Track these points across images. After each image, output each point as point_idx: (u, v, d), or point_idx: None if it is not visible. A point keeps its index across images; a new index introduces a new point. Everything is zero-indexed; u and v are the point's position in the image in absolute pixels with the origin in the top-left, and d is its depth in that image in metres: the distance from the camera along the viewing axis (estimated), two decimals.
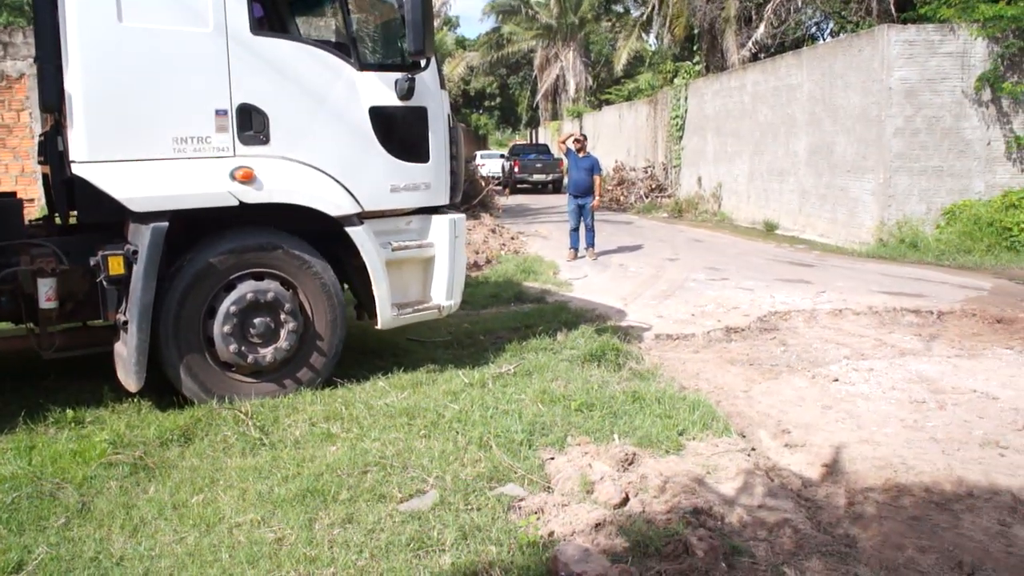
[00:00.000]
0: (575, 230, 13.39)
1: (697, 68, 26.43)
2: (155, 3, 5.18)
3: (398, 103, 5.91)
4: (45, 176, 6.34)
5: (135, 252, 5.17)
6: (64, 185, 5.33)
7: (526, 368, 6.24)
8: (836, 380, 6.38)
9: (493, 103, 56.94)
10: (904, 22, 16.09)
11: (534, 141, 49.46)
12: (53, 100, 5.14)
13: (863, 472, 4.66)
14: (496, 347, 7.08)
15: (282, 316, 5.59)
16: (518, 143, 44.81)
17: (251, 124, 5.45)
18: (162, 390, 5.58)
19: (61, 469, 4.55)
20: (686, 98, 23.12)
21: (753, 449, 5.01)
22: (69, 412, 5.40)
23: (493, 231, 14.97)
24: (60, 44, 5.05)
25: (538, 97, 46.53)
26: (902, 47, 13.66)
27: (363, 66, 5.84)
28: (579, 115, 37.73)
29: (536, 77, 46.04)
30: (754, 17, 24.36)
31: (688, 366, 6.92)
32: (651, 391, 5.64)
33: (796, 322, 8.51)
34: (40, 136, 6.45)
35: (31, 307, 5.40)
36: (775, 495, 4.26)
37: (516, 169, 32.54)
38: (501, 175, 34.36)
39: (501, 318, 8.41)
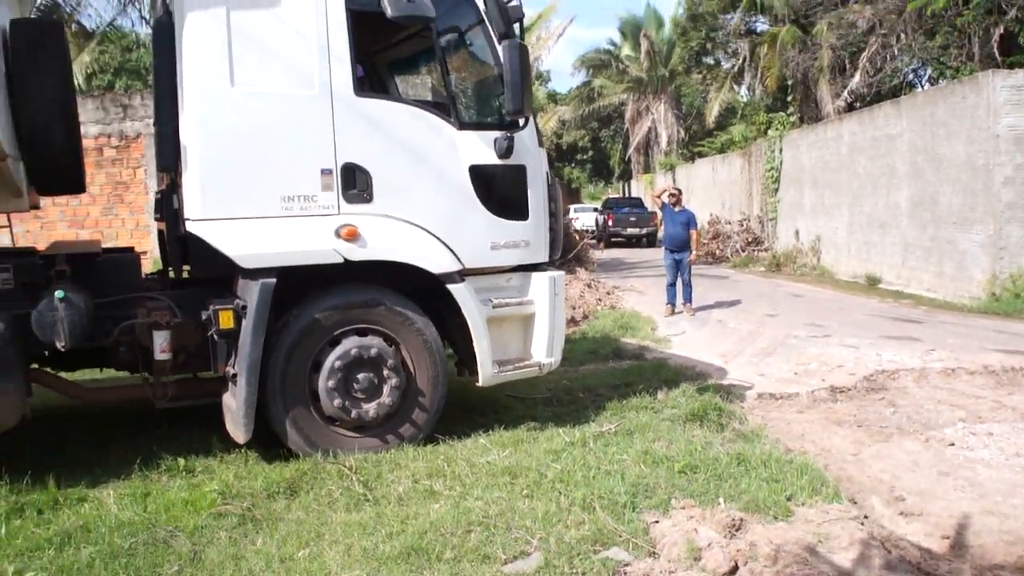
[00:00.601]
0: (672, 285, 13.27)
1: (791, 119, 26.12)
2: (264, 68, 5.40)
3: (497, 161, 5.99)
4: (160, 232, 6.61)
5: (244, 307, 5.34)
6: (178, 241, 5.54)
7: (627, 427, 6.16)
8: (952, 444, 6.10)
9: (585, 156, 57.19)
10: (1010, 66, 15.59)
11: (627, 194, 49.45)
12: (170, 161, 5.37)
13: (990, 547, 4.40)
14: (596, 405, 7.02)
15: (385, 372, 5.66)
16: (611, 196, 44.85)
17: (355, 183, 5.59)
18: (268, 442, 5.70)
19: (174, 517, 4.70)
20: (781, 150, 22.86)
21: (866, 517, 4.79)
22: (181, 461, 5.57)
23: (589, 286, 14.94)
24: (177, 108, 5.30)
25: (630, 150, 46.61)
26: (1009, 93, 13.20)
27: (463, 125, 5.95)
28: (671, 168, 37.65)
29: (627, 130, 46.16)
30: (848, 66, 23.98)
31: (793, 427, 6.73)
32: (756, 453, 5.48)
33: (905, 382, 8.21)
34: (157, 194, 6.74)
35: (146, 358, 5.62)
36: (894, 568, 4.07)
37: (610, 223, 32.57)
38: (595, 229, 34.41)
39: (600, 375, 8.35)
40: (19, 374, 5.24)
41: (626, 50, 45.40)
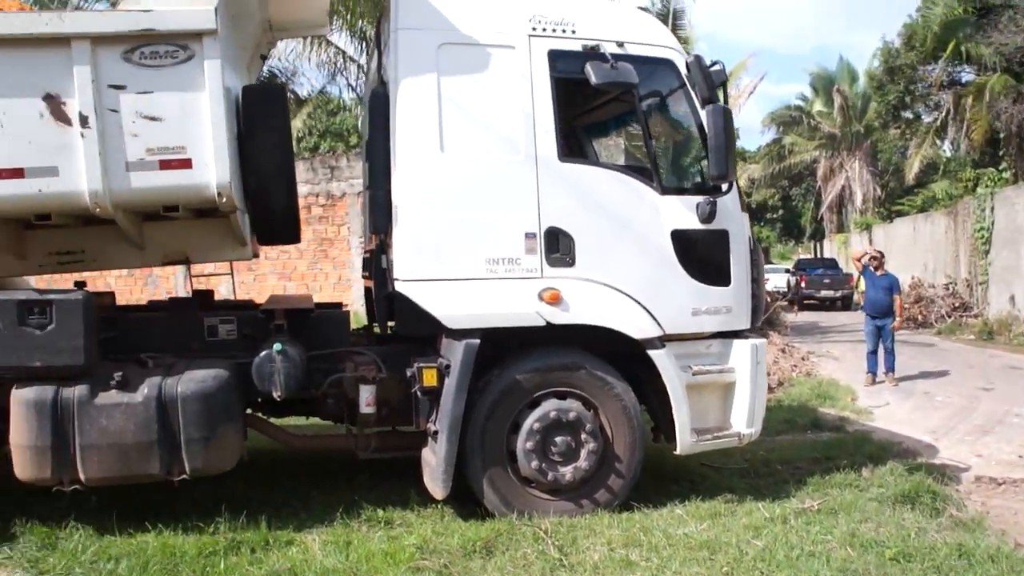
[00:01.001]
0: (873, 352, 12.59)
1: (1003, 175, 24.46)
2: (472, 135, 5.61)
3: (700, 226, 5.92)
4: (367, 289, 6.92)
5: (448, 366, 5.48)
6: (385, 299, 5.77)
7: (830, 505, 5.84)
8: None
9: (775, 215, 55.83)
10: None
11: (819, 254, 47.72)
12: (382, 224, 5.62)
13: None
14: (796, 479, 6.71)
15: (583, 436, 5.64)
16: (803, 257, 43.39)
17: (558, 246, 5.67)
18: (464, 499, 5.77)
19: (374, 568, 4.84)
20: (992, 208, 21.41)
21: None
22: (380, 512, 5.75)
23: (783, 351, 14.43)
24: (390, 173, 5.56)
25: (822, 209, 45.05)
26: None
27: (665, 190, 5.93)
28: (867, 227, 36.00)
29: (820, 188, 44.69)
30: None
31: (1021, 518, 6.18)
32: (981, 546, 5.04)
33: None
34: (365, 253, 7.06)
35: (351, 410, 5.87)
36: None
37: (803, 284, 31.44)
38: (786, 290, 33.31)
39: (798, 447, 8.00)
40: (239, 419, 5.59)
41: (818, 105, 44.13)
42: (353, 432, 6.06)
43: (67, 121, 4.93)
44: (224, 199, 5.11)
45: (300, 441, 6.43)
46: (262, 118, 5.56)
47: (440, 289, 5.50)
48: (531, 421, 5.59)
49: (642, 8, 16.24)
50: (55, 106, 4.93)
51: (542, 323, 5.57)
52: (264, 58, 7.65)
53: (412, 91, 5.54)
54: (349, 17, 16.36)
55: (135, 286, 16.82)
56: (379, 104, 5.62)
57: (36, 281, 7.44)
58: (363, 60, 17.71)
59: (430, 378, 5.51)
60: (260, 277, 15.90)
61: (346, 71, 18.38)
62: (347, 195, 15.81)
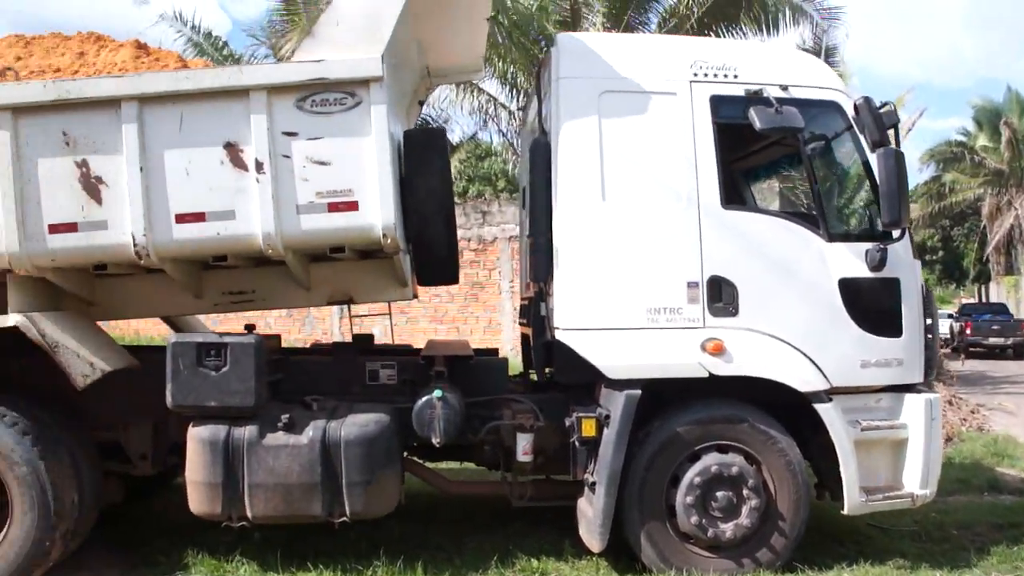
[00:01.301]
0: None
1: None
2: (634, 182, 5.58)
3: (869, 274, 5.66)
4: (524, 336, 6.95)
5: (607, 416, 5.41)
6: (544, 347, 5.77)
7: None
8: None
9: (934, 257, 53.21)
10: None
11: (984, 298, 45.11)
12: (543, 272, 5.63)
13: None
14: (976, 547, 6.26)
15: (745, 491, 5.44)
16: (967, 302, 41.15)
17: (721, 296, 5.53)
18: (620, 552, 5.66)
19: None
20: None
21: None
22: (535, 562, 5.73)
23: (950, 402, 13.59)
24: (550, 221, 5.58)
25: (988, 249, 42.60)
26: None
27: (832, 236, 5.71)
28: None
29: (985, 228, 42.33)
30: None
31: None
32: None
33: None
34: (523, 300, 7.10)
35: (507, 457, 5.88)
36: None
37: (968, 331, 29.69)
38: (949, 337, 31.54)
39: (975, 509, 7.45)
40: (398, 463, 5.68)
41: (982, 140, 41.80)
42: (508, 480, 6.06)
43: (244, 167, 5.19)
44: (389, 240, 5.25)
45: (455, 486, 6.47)
46: (423, 161, 5.70)
47: (601, 338, 5.46)
48: (691, 475, 5.44)
49: (802, 48, 16.04)
50: (234, 153, 5.20)
51: (704, 374, 5.44)
52: (422, 104, 7.88)
53: (574, 140, 5.56)
54: (500, 64, 16.72)
55: (293, 326, 17.50)
56: (540, 152, 5.66)
57: (205, 319, 7.85)
58: (513, 106, 18.07)
59: (589, 428, 5.46)
60: (412, 320, 16.27)
61: (496, 117, 18.78)
62: (498, 240, 16.07)
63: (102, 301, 6.10)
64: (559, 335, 5.52)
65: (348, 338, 7.27)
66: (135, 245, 5.21)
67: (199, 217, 5.22)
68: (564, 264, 5.50)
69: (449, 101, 18.29)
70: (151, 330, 17.58)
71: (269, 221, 5.17)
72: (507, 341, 15.72)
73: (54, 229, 5.25)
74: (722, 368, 5.44)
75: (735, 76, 5.72)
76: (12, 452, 5.29)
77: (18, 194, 5.20)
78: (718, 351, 5.44)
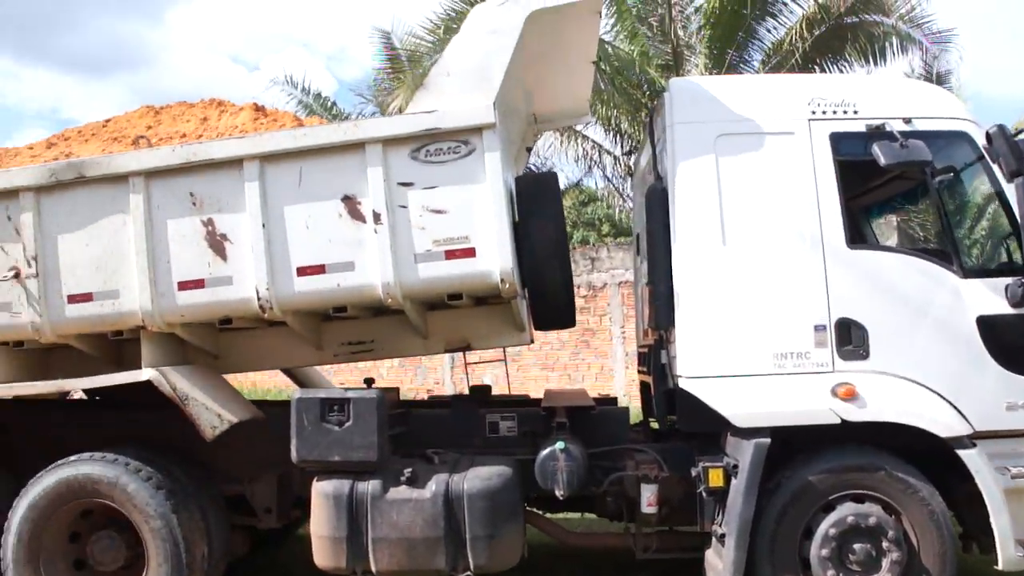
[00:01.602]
0: None
1: None
2: (754, 226, 5.43)
3: (1011, 311, 5.35)
4: (643, 384, 6.83)
5: (735, 466, 5.23)
6: (665, 395, 5.65)
7: None
8: None
9: None
10: None
11: None
12: (664, 319, 5.52)
13: None
14: None
15: (884, 544, 5.14)
16: None
17: (850, 338, 5.31)
18: None
19: None
20: None
21: None
22: None
23: None
24: (670, 268, 5.48)
25: None
26: None
27: (967, 272, 5.43)
28: None
29: None
30: None
31: None
32: None
33: None
34: (641, 348, 7.00)
35: (630, 508, 5.75)
36: None
37: None
38: None
39: None
40: (521, 516, 5.61)
41: None
42: (632, 531, 5.92)
43: (362, 219, 5.29)
44: (507, 285, 5.25)
45: (577, 538, 6.35)
46: (537, 205, 5.70)
47: (726, 386, 5.31)
48: (826, 526, 5.18)
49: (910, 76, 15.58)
50: (351, 206, 5.31)
51: (837, 421, 5.21)
52: (530, 150, 7.93)
53: (691, 185, 5.48)
54: (603, 110, 16.79)
55: (405, 376, 17.71)
56: (657, 199, 5.59)
57: (322, 369, 7.99)
58: (617, 152, 18.07)
59: (716, 478, 5.29)
60: (523, 368, 16.27)
61: (601, 163, 18.82)
62: (608, 285, 16.00)
63: (227, 355, 6.29)
64: (682, 383, 5.39)
65: (460, 388, 7.32)
66: (259, 299, 5.37)
67: (319, 269, 5.34)
68: (685, 311, 5.39)
69: (554, 148, 18.47)
70: (268, 382, 18.09)
71: (388, 271, 5.24)
72: (619, 387, 15.55)
73: (183, 286, 5.47)
74: (855, 414, 5.20)
75: (855, 112, 5.55)
76: (147, 506, 5.45)
77: (150, 254, 5.45)
78: (850, 396, 5.21)
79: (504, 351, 7.35)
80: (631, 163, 17.30)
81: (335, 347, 6.24)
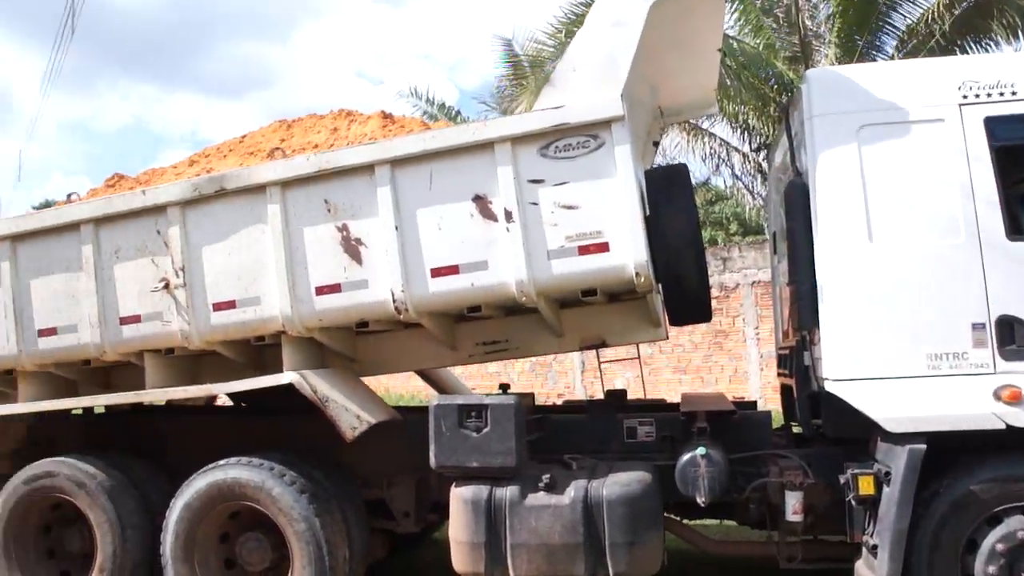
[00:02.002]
0: None
1: None
2: (902, 220, 5.14)
3: None
4: (784, 387, 6.60)
5: (887, 473, 4.96)
6: (809, 399, 5.43)
7: None
8: None
9: None
10: None
11: None
12: (808, 320, 5.29)
13: None
14: None
15: None
16: None
17: (1013, 337, 4.95)
18: None
19: None
20: None
21: None
22: None
23: None
24: (813, 267, 5.25)
25: None
26: None
27: None
28: None
29: None
30: None
31: None
32: None
33: None
34: (781, 350, 6.76)
35: (773, 516, 5.56)
36: None
37: None
38: None
39: None
40: (661, 523, 5.48)
41: None
42: (774, 540, 5.71)
43: (493, 218, 5.30)
44: (642, 279, 5.16)
45: (719, 546, 6.19)
46: (668, 198, 5.59)
47: (876, 389, 5.03)
48: (992, 541, 4.83)
49: None
50: (483, 205, 5.33)
51: (1001, 426, 4.86)
52: (656, 144, 7.80)
53: (832, 180, 5.23)
54: (730, 107, 16.40)
55: (536, 381, 17.72)
56: (797, 195, 5.37)
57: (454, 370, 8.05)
58: (746, 149, 17.63)
59: (867, 486, 5.01)
60: (655, 371, 16.03)
61: (729, 161, 18.39)
62: (741, 286, 15.60)
63: (363, 358, 6.42)
64: (828, 386, 5.15)
65: (591, 391, 7.26)
66: (394, 301, 5.45)
67: (453, 270, 5.37)
68: (831, 311, 5.14)
69: (680, 147, 18.17)
70: (402, 388, 18.46)
71: (521, 268, 5.23)
72: (754, 390, 15.14)
73: (320, 291, 5.61)
74: (1023, 419, 4.86)
75: (1012, 93, 5.17)
76: (291, 509, 5.58)
77: (288, 260, 5.61)
78: (1015, 399, 4.84)
79: (639, 352, 7.22)
80: (761, 160, 16.88)
81: (470, 347, 6.28)
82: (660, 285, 5.67)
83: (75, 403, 6.49)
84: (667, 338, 6.49)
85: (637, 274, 5.14)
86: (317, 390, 5.57)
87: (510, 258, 5.26)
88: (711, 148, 18.26)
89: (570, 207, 5.20)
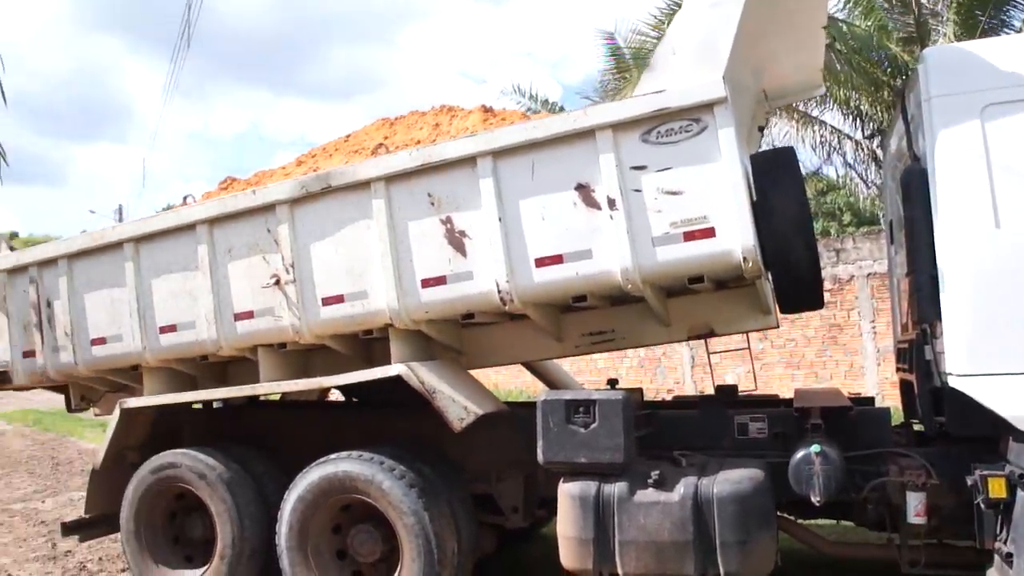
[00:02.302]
0: None
1: None
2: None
3: None
4: (903, 383, 6.33)
5: (1021, 476, 4.69)
6: (930, 395, 5.20)
7: None
8: None
9: None
10: None
11: None
12: (929, 311, 5.06)
13: None
14: None
15: None
16: None
17: None
18: None
19: None
20: None
21: None
22: None
23: None
24: (934, 257, 5.01)
25: None
26: None
27: None
28: None
29: None
30: None
31: None
32: None
33: None
34: (901, 343, 6.50)
35: (894, 518, 5.33)
36: None
37: None
38: None
39: None
40: (774, 522, 5.32)
41: None
42: (896, 543, 5.48)
43: (596, 206, 5.24)
44: (749, 264, 5.02)
45: (835, 548, 5.98)
46: (775, 182, 5.44)
47: (1005, 384, 4.75)
48: None
49: None
50: (585, 194, 5.27)
51: None
52: (762, 130, 7.60)
53: (954, 163, 4.97)
54: (840, 92, 15.87)
55: (645, 377, 17.53)
56: (916, 182, 5.12)
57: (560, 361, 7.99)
58: (858, 136, 17.05)
59: (998, 489, 4.75)
60: (767, 366, 15.63)
61: (840, 149, 17.81)
62: (855, 278, 15.03)
63: (470, 350, 6.47)
64: (953, 382, 4.90)
65: (701, 387, 7.10)
66: (499, 292, 5.45)
67: (557, 259, 5.34)
68: (954, 302, 4.89)
69: (789, 136, 17.67)
70: (509, 383, 18.55)
71: (626, 256, 5.16)
72: (871, 386, 14.60)
73: (426, 283, 5.67)
74: None
75: None
76: (401, 503, 5.64)
77: (394, 254, 5.70)
78: None
79: (749, 344, 7.03)
80: (875, 147, 16.28)
81: (576, 338, 6.26)
82: (769, 272, 5.54)
83: (194, 396, 6.72)
84: (778, 326, 6.30)
85: (745, 259, 5.00)
86: (425, 381, 5.62)
87: (614, 246, 5.20)
88: (822, 136, 17.71)
89: (674, 193, 5.11)
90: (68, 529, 7.21)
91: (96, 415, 8.60)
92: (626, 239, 5.16)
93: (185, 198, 6.84)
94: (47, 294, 7.15)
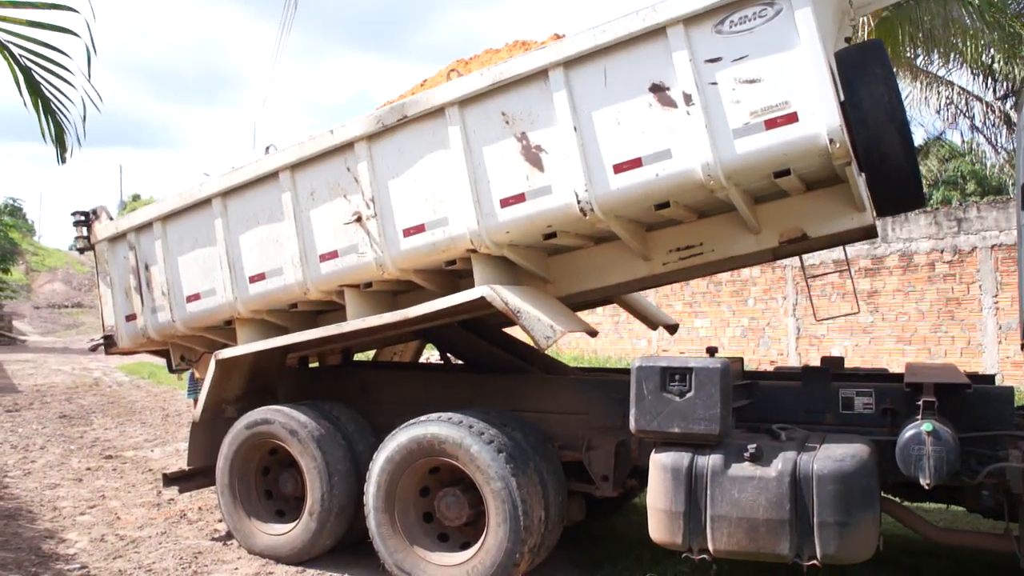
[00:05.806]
0: None
1: None
2: None
3: None
4: None
5: None
6: None
7: None
8: None
9: None
10: None
11: None
12: None
13: None
14: None
15: None
16: None
17: None
18: None
19: None
20: None
21: None
22: None
23: None
24: None
25: None
26: None
27: None
28: None
29: None
30: None
31: None
32: None
33: None
34: None
35: (1013, 507, 4.96)
36: None
37: None
38: None
39: None
40: (877, 504, 4.99)
41: None
42: (1015, 534, 5.07)
43: (672, 104, 5.06)
44: (837, 145, 4.73)
45: (943, 535, 5.56)
46: (863, 72, 5.09)
47: None
48: None
49: None
50: (660, 94, 5.10)
51: None
52: (848, 40, 7.15)
53: None
54: (971, 50, 14.90)
55: (748, 347, 17.05)
56: None
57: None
58: (989, 97, 16.05)
59: None
60: (876, 340, 14.96)
61: (968, 112, 16.80)
62: (978, 249, 14.14)
63: (556, 277, 6.39)
64: None
65: (805, 359, 6.75)
66: (579, 202, 5.34)
67: (635, 163, 5.20)
68: None
69: (912, 99, 16.75)
70: (609, 349, 18.35)
71: (706, 151, 4.97)
72: (990, 365, 13.81)
73: (505, 203, 5.59)
74: None
75: None
76: (488, 468, 5.56)
77: (471, 177, 5.65)
78: None
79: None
80: (1008, 108, 15.29)
81: (663, 255, 6.09)
82: (864, 172, 5.25)
83: (284, 340, 6.71)
84: (873, 224, 5.88)
85: (831, 140, 4.72)
86: (508, 302, 5.50)
87: (693, 143, 5.01)
88: (948, 98, 16.73)
89: (752, 81, 4.88)
90: (169, 480, 7.43)
91: (196, 378, 8.81)
92: (705, 134, 4.97)
93: (267, 148, 6.87)
94: (144, 258, 7.40)
